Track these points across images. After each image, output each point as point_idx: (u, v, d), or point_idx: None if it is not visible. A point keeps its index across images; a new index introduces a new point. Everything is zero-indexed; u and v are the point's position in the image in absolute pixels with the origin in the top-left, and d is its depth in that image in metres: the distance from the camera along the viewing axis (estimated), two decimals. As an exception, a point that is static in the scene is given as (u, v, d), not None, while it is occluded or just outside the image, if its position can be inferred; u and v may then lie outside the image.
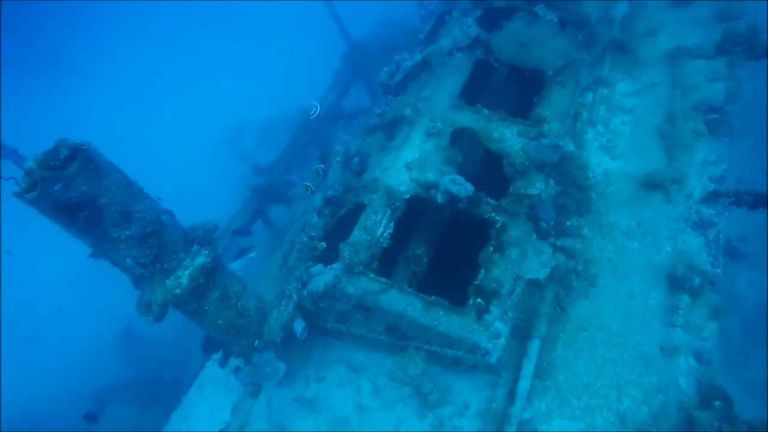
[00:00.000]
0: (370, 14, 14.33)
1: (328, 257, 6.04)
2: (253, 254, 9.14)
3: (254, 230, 11.07)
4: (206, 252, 5.16)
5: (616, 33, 8.33)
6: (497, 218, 5.74)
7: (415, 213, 6.49)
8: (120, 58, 27.06)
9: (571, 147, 6.59)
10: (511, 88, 7.97)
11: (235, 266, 9.09)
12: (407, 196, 5.97)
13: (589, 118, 7.33)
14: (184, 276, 4.92)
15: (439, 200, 5.85)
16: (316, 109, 8.41)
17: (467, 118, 6.68)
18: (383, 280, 5.40)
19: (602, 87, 7.77)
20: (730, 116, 6.61)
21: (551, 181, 6.17)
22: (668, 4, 8.79)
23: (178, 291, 4.85)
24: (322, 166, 7.81)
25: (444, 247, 6.64)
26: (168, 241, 4.86)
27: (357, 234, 5.66)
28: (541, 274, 5.51)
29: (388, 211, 5.85)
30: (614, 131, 7.26)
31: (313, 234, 6.37)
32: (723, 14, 7.93)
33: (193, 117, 18.90)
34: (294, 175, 11.09)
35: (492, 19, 7.90)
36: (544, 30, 7.62)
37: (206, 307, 5.38)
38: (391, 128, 7.38)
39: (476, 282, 5.31)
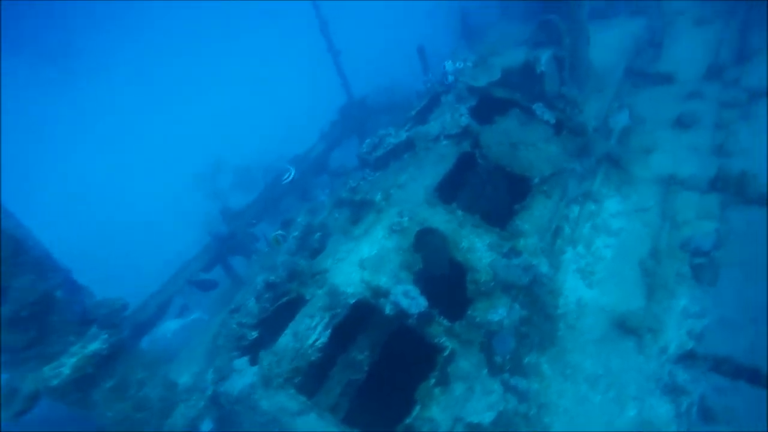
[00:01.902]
0: (378, 75, 14.15)
1: (264, 344, 5.36)
2: (195, 315, 8.38)
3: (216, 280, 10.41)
4: (105, 336, 4.45)
5: (612, 146, 7.98)
6: (447, 344, 5.08)
7: (362, 313, 5.82)
8: (108, 76, 27.00)
9: (545, 268, 6.03)
10: (495, 186, 7.48)
11: (174, 325, 8.32)
12: (352, 301, 5.32)
13: (571, 236, 6.80)
14: (67, 365, 4.19)
15: (387, 312, 5.20)
16: (290, 173, 7.90)
17: (439, 218, 6.13)
18: (303, 399, 4.67)
19: (590, 202, 7.31)
20: (718, 263, 6.09)
21: (516, 306, 5.55)
22: (669, 123, 8.50)
23: (55, 382, 4.11)
24: (282, 233, 7.22)
25: (390, 357, 5.93)
26: (56, 322, 4.16)
27: (284, 341, 4.98)
28: (486, 417, 4.81)
29: (327, 317, 5.19)
30: (595, 254, 6.72)
31: (244, 321, 5.68)
32: (721, 148, 7.59)
33: (175, 146, 18.50)
34: (258, 229, 10.47)
35: (486, 111, 7.51)
36: (537, 132, 7.22)
37: (95, 398, 4.61)
38: (359, 209, 6.82)
39: (408, 420, 4.58)
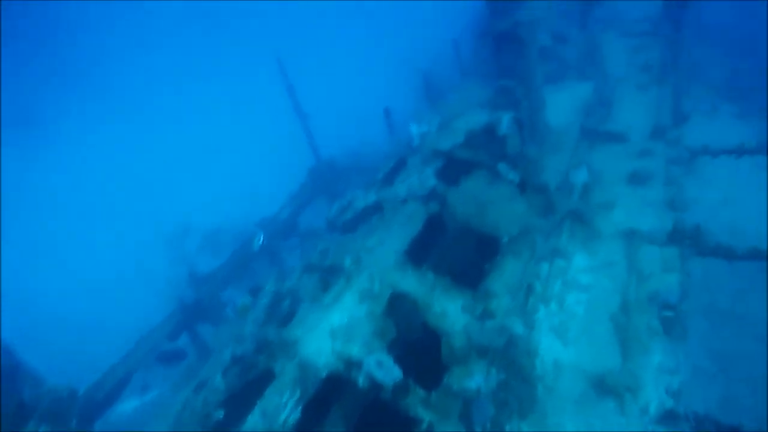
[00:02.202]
0: (345, 136, 14.49)
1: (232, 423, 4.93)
2: (156, 392, 7.79)
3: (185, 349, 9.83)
4: (45, 429, 4.00)
5: (575, 202, 8.25)
6: (424, 416, 4.82)
7: (335, 386, 5.51)
8: (75, 135, 26.74)
9: (519, 329, 5.96)
10: (463, 245, 7.51)
11: (132, 404, 7.68)
12: (324, 374, 5.05)
13: (542, 293, 6.80)
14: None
15: (361, 384, 4.94)
16: (259, 238, 7.75)
17: (410, 282, 6.04)
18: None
19: (559, 258, 7.39)
20: (685, 316, 6.18)
21: (493, 371, 5.40)
22: (625, 179, 8.92)
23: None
24: (249, 300, 6.95)
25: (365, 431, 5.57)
26: (-11, 419, 3.72)
27: (252, 421, 4.61)
28: (470, 496, 4.50)
29: (298, 392, 4.89)
30: (568, 311, 6.71)
31: (210, 398, 5.27)
32: (672, 203, 7.98)
33: (141, 208, 18.09)
34: (227, 295, 10.09)
35: (452, 172, 7.69)
36: (503, 191, 7.41)
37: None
38: (328, 275, 6.66)
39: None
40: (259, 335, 5.71)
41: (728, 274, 8.56)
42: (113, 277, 15.48)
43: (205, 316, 10.03)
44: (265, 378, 5.36)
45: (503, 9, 8.08)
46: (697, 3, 11.17)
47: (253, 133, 20.61)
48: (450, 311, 5.76)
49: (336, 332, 5.48)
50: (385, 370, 4.89)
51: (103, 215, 19.47)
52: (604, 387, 5.58)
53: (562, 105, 11.30)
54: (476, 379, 5.13)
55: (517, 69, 8.55)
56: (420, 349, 5.58)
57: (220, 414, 5.27)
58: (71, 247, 18.72)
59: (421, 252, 6.86)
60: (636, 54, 13.81)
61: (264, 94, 19.38)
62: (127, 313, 13.34)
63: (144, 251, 15.66)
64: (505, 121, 7.82)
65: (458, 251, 7.16)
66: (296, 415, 4.80)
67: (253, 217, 12.92)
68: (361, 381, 4.96)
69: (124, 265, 15.30)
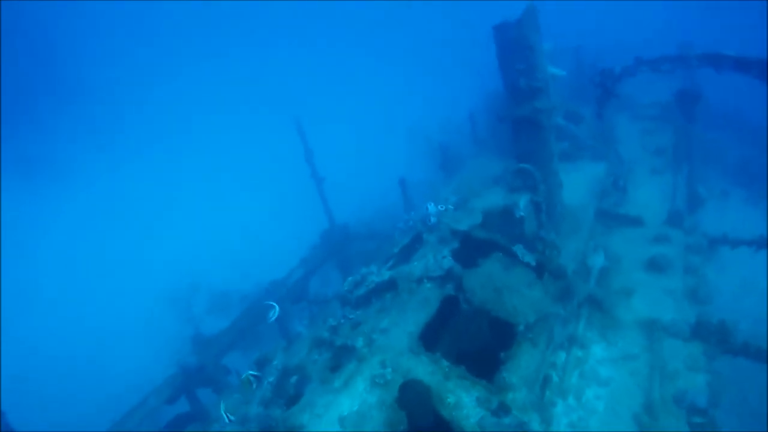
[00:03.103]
0: (360, 202, 14.69)
1: None
2: None
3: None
4: None
5: (592, 287, 8.10)
6: None
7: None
8: (86, 189, 27.47)
9: (536, 426, 5.64)
10: (478, 329, 7.32)
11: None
12: (330, 471, 4.75)
13: (560, 385, 6.51)
14: None
15: (369, 485, 4.63)
16: (275, 311, 7.66)
17: (423, 369, 5.83)
18: None
19: (576, 347, 7.16)
20: (717, 424, 5.83)
21: (510, 476, 5.05)
22: (643, 264, 8.80)
23: None
24: (254, 373, 6.71)
25: None
26: None
27: None
28: None
29: (302, 490, 4.57)
30: (587, 407, 6.38)
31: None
32: (694, 294, 7.80)
33: (149, 265, 18.20)
34: (231, 360, 9.83)
35: (469, 253, 7.64)
36: (520, 276, 7.31)
37: None
38: (339, 355, 6.47)
39: None
40: (264, 419, 5.46)
41: (760, 372, 8.15)
42: (118, 329, 15.28)
43: (206, 381, 9.71)
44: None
45: (523, 95, 8.39)
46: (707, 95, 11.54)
47: (266, 193, 21.01)
48: (464, 403, 5.50)
49: (345, 421, 5.22)
50: (396, 471, 4.59)
51: (112, 266, 19.57)
52: (629, 502, 5.17)
53: (576, 185, 11.42)
54: (492, 484, 4.78)
55: (534, 152, 8.73)
56: (437, 422, 5.28)
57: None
58: (76, 296, 18.69)
59: (435, 337, 6.69)
60: (647, 137, 14.15)
61: (279, 153, 19.96)
62: (128, 366, 13.02)
63: (150, 306, 15.52)
64: (522, 204, 7.88)
65: (474, 337, 6.96)
66: None
67: (263, 278, 12.87)
68: (369, 481, 4.65)
69: (129, 319, 15.12)
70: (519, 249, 7.81)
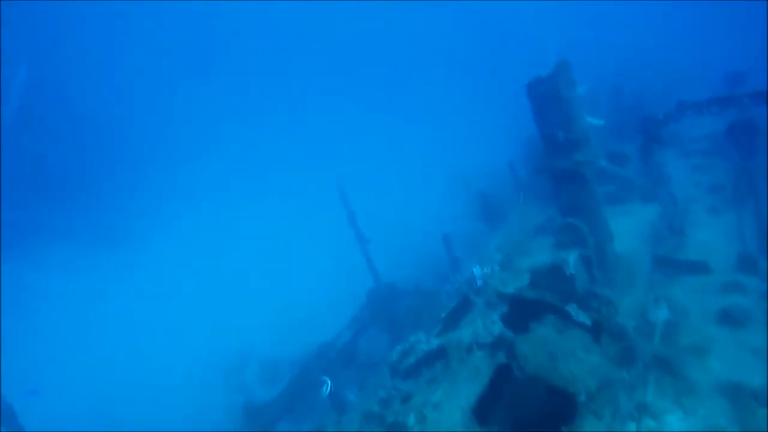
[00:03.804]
0: (404, 260, 14.67)
1: None
2: None
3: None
4: None
5: (657, 346, 7.50)
6: None
7: None
8: (144, 260, 28.99)
9: None
10: (536, 403, 6.87)
11: None
12: None
13: (634, 465, 5.92)
14: None
15: None
16: (327, 385, 7.62)
17: (479, 450, 5.48)
18: None
19: (648, 417, 6.54)
20: None
21: None
22: (714, 317, 8.09)
23: None
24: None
25: None
26: None
27: None
28: None
29: None
30: (669, 490, 5.73)
31: None
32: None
33: (201, 334, 18.74)
34: (282, 427, 9.75)
35: (519, 317, 7.33)
36: (576, 340, 6.89)
37: None
38: (391, 432, 6.24)
39: None
40: None
41: None
42: (169, 396, 15.57)
43: None
44: None
45: (561, 148, 8.26)
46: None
47: (311, 256, 21.43)
48: (528, 492, 5.08)
49: None
50: None
51: (163, 331, 20.30)
52: None
53: (627, 230, 10.89)
54: None
55: (579, 204, 8.47)
56: None
57: None
58: (128, 362, 19.38)
59: (489, 409, 6.34)
60: (700, 174, 13.42)
61: (323, 215, 20.47)
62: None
63: (200, 373, 15.81)
64: (572, 261, 7.56)
65: (530, 408, 6.53)
66: None
67: (311, 340, 12.87)
68: None
69: (179, 386, 15.42)
70: (572, 308, 7.41)
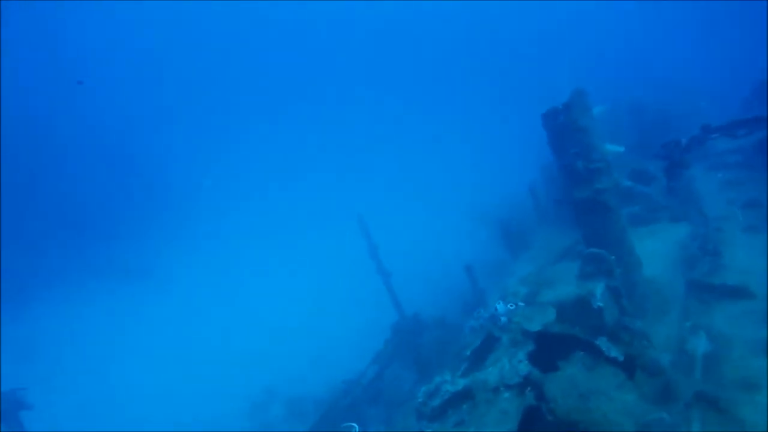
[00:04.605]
0: (430, 292, 14.48)
1: None
2: None
3: None
4: None
5: (699, 381, 7.07)
6: None
7: None
8: (170, 295, 29.51)
9: None
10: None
11: None
12: None
13: None
14: None
15: None
16: (355, 429, 7.51)
17: (512, 503, 5.22)
18: None
19: (693, 461, 6.13)
20: None
21: None
22: (762, 348, 7.59)
23: None
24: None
25: None
26: None
27: None
28: None
29: None
30: None
31: None
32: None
33: (225, 369, 18.80)
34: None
35: (546, 355, 7.08)
36: (608, 378, 6.60)
37: None
38: (418, 484, 6.02)
39: None
40: None
41: None
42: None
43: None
44: None
45: (581, 177, 8.09)
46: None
47: (336, 291, 21.44)
48: None
49: None
50: None
51: (189, 367, 20.45)
52: None
53: (656, 254, 10.53)
54: None
55: (603, 233, 8.24)
56: None
57: None
58: (155, 399, 19.52)
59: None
60: (732, 189, 12.91)
61: (346, 252, 20.53)
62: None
63: (227, 410, 15.77)
64: (599, 292, 7.31)
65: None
66: None
67: (336, 377, 12.72)
68: None
69: (205, 424, 15.38)
70: (602, 343, 7.12)
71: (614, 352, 7.00)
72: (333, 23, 60.31)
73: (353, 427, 7.10)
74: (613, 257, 7.76)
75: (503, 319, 7.49)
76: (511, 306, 7.51)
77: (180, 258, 33.53)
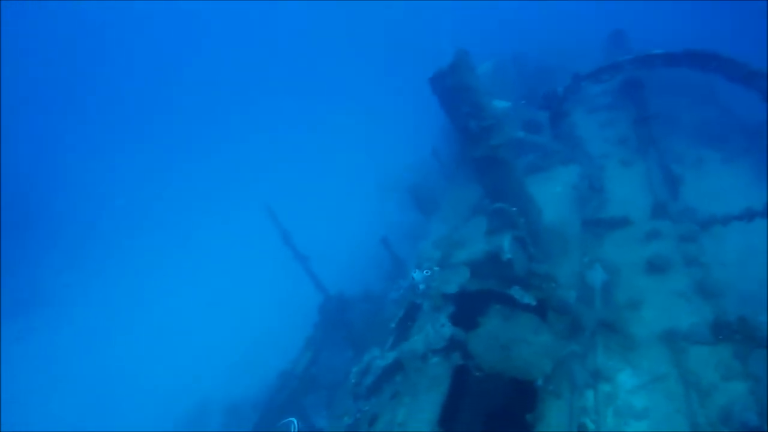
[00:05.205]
0: (351, 266, 14.38)
1: None
2: None
3: None
4: None
5: (599, 309, 7.78)
6: None
7: None
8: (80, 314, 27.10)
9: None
10: (498, 398, 6.89)
11: None
12: None
13: (598, 433, 6.09)
14: None
15: None
16: (294, 425, 7.24)
17: (452, 463, 5.39)
18: None
19: (602, 382, 6.77)
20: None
21: None
22: (642, 268, 8.53)
23: None
24: None
25: None
26: None
27: None
28: None
29: None
30: (633, 451, 5.96)
31: None
32: (702, 289, 7.51)
33: (152, 387, 17.54)
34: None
35: (466, 313, 7.32)
36: (524, 324, 6.98)
37: None
38: (362, 464, 6.01)
39: None
40: None
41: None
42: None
43: None
44: None
45: (476, 136, 8.27)
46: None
47: (256, 289, 20.63)
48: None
49: None
50: None
51: (114, 386, 18.87)
52: None
53: (553, 197, 11.28)
54: None
55: (503, 187, 8.58)
56: None
57: None
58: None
59: (455, 416, 6.28)
60: (607, 129, 14.18)
61: (259, 244, 19.74)
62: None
63: (162, 426, 14.78)
64: (507, 246, 7.63)
65: (494, 405, 6.56)
66: None
67: (271, 375, 12.33)
68: None
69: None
70: (516, 291, 7.51)
71: (527, 299, 7.42)
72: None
73: (291, 422, 6.87)
74: (515, 209, 8.11)
75: (421, 286, 7.59)
76: (426, 272, 7.62)
77: (85, 282, 30.27)
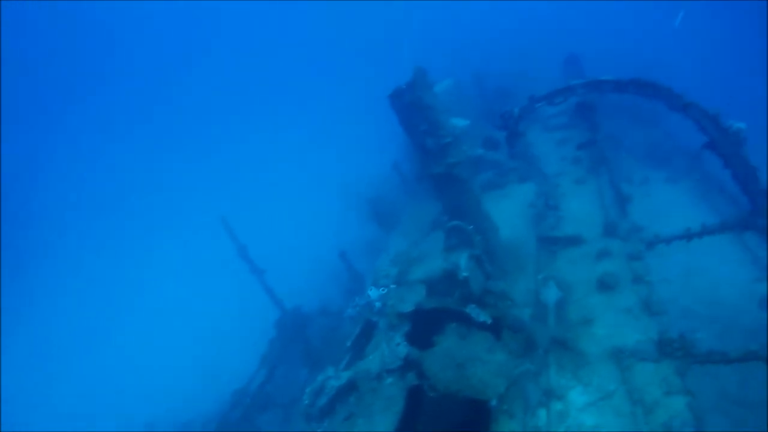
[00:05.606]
0: (309, 281, 14.10)
1: None
2: None
3: None
4: None
5: (552, 327, 7.92)
6: None
7: None
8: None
9: None
10: (453, 418, 6.87)
11: None
12: None
13: (550, 451, 6.14)
14: None
15: None
16: None
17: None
18: None
19: (554, 400, 6.86)
20: (709, 450, 5.65)
21: None
22: (594, 286, 8.77)
23: None
24: None
25: None
26: None
27: None
28: None
29: None
30: (583, 468, 6.04)
31: None
32: (648, 307, 7.79)
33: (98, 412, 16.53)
34: None
35: (422, 332, 7.26)
36: (479, 343, 7.00)
37: None
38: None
39: None
40: None
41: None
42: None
43: None
44: None
45: (433, 153, 8.32)
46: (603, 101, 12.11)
47: (211, 304, 19.91)
48: None
49: None
50: None
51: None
52: None
53: (510, 214, 11.47)
54: None
55: (460, 204, 8.65)
56: None
57: None
58: None
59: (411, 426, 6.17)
60: (562, 147, 14.68)
61: (216, 261, 19.12)
62: None
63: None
64: (463, 264, 7.66)
65: (448, 425, 6.50)
66: None
67: (224, 392, 11.85)
68: None
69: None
70: (472, 310, 7.53)
71: (483, 317, 7.45)
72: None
73: None
74: (472, 227, 8.18)
75: (377, 304, 7.49)
76: (383, 290, 7.53)
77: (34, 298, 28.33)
